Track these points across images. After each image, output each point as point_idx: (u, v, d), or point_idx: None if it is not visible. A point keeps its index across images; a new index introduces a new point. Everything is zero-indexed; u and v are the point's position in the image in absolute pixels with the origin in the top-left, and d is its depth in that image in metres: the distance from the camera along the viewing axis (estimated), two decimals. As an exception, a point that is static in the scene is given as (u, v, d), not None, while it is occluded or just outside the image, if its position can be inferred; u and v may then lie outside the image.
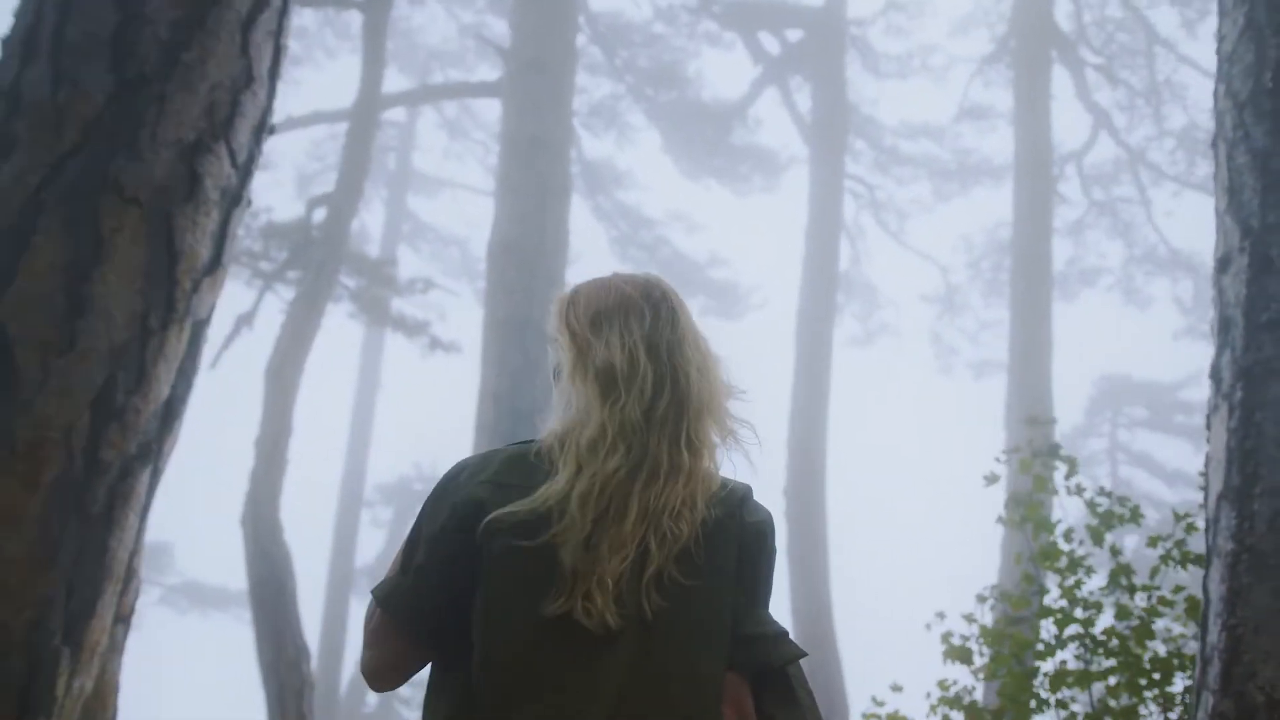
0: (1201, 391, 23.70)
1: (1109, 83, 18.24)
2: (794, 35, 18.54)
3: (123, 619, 3.62)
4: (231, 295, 15.14)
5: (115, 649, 3.58)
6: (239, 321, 11.74)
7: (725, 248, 23.83)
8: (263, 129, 4.04)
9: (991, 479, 4.91)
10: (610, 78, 22.40)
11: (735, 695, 1.54)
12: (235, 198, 3.84)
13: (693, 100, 20.56)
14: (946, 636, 4.51)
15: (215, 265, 3.75)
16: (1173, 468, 22.64)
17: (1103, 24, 17.70)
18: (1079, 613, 4.48)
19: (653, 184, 22.58)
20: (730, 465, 1.68)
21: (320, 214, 11.91)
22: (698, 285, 22.62)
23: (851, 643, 14.22)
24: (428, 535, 1.58)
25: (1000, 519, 4.98)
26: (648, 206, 22.02)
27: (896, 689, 4.17)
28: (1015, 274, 14.86)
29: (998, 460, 5.09)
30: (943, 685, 4.27)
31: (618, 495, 1.53)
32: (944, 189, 21.75)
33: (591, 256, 24.70)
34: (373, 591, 1.62)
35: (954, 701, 4.22)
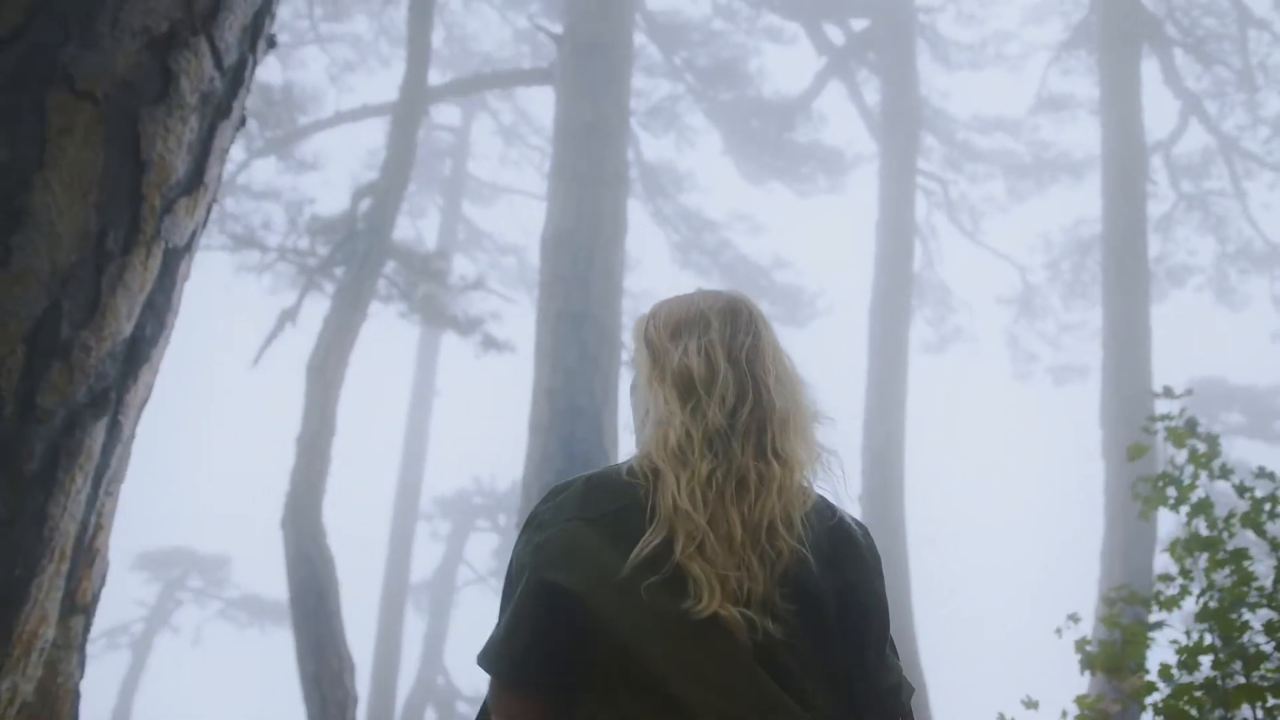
0: (1304, 396, 22.26)
1: (1199, 66, 17.13)
2: (859, 24, 17.75)
3: (81, 609, 2.99)
4: (276, 292, 14.78)
5: (70, 645, 2.95)
6: (282, 317, 11.26)
7: (789, 250, 23.07)
8: (259, 33, 3.40)
9: (1137, 451, 4.11)
10: (669, 78, 21.83)
11: None
12: (221, 108, 3.20)
13: (753, 98, 19.87)
14: (1082, 644, 3.74)
15: (195, 184, 3.11)
16: (1272, 478, 21.17)
17: (1191, 4, 16.62)
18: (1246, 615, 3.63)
19: (714, 186, 21.91)
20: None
21: (367, 207, 11.40)
22: (762, 290, 21.84)
23: (934, 654, 13.27)
24: (520, 590, 1.52)
25: (1139, 494, 4.15)
26: (709, 209, 21.34)
27: (1031, 705, 3.38)
28: (1107, 271, 13.82)
29: (1145, 430, 4.28)
30: (1082, 702, 3.46)
31: (716, 505, 1.50)
32: (1020, 186, 20.73)
33: (653, 262, 24.13)
34: (477, 658, 1.59)
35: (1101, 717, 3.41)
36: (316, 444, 9.86)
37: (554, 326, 11.01)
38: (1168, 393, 5.50)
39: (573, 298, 11.07)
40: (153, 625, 21.58)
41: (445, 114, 22.67)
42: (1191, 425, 4.68)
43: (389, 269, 12.50)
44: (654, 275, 24.79)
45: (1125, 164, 14.51)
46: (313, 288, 11.47)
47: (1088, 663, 3.82)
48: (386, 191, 11.08)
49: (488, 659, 1.53)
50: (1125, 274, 13.69)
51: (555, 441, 10.43)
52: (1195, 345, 22.62)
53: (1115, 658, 3.69)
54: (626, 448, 1.73)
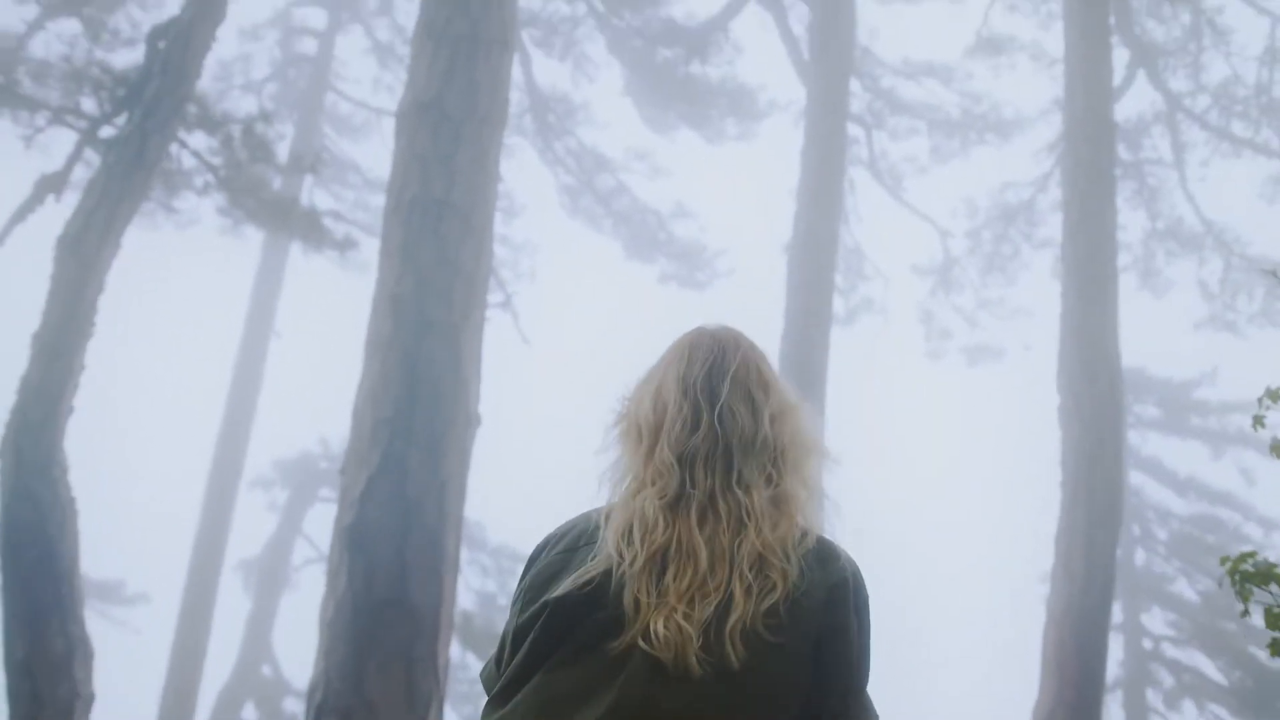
0: (1220, 390, 21.25)
1: (1150, 14, 15.65)
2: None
3: None
4: (36, 149, 11.74)
5: None
6: (42, 186, 8.44)
7: (694, 200, 20.75)
8: None
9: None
10: (566, 2, 19.41)
11: None
12: None
13: (664, 20, 17.60)
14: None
15: None
16: (1185, 475, 20.07)
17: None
18: None
19: (613, 122, 19.51)
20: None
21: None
22: (659, 244, 19.60)
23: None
24: (515, 629, 1.62)
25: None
26: (605, 147, 18.97)
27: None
28: (1067, 241, 11.97)
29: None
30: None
31: (676, 533, 1.53)
32: (945, 145, 19.04)
33: (537, 208, 21.66)
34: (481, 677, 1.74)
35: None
36: (60, 344, 7.11)
37: (405, 217, 8.51)
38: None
39: (432, 182, 8.59)
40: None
41: (308, 16, 19.74)
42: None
43: (202, 146, 9.78)
44: (537, 223, 22.19)
45: (1089, 123, 12.64)
46: (89, 146, 8.65)
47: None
48: (190, 24, 8.35)
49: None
50: (1087, 247, 11.78)
51: (397, 360, 7.93)
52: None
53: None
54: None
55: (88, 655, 6.71)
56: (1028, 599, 19.26)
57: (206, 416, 16.58)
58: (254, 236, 19.39)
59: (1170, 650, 18.32)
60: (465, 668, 17.20)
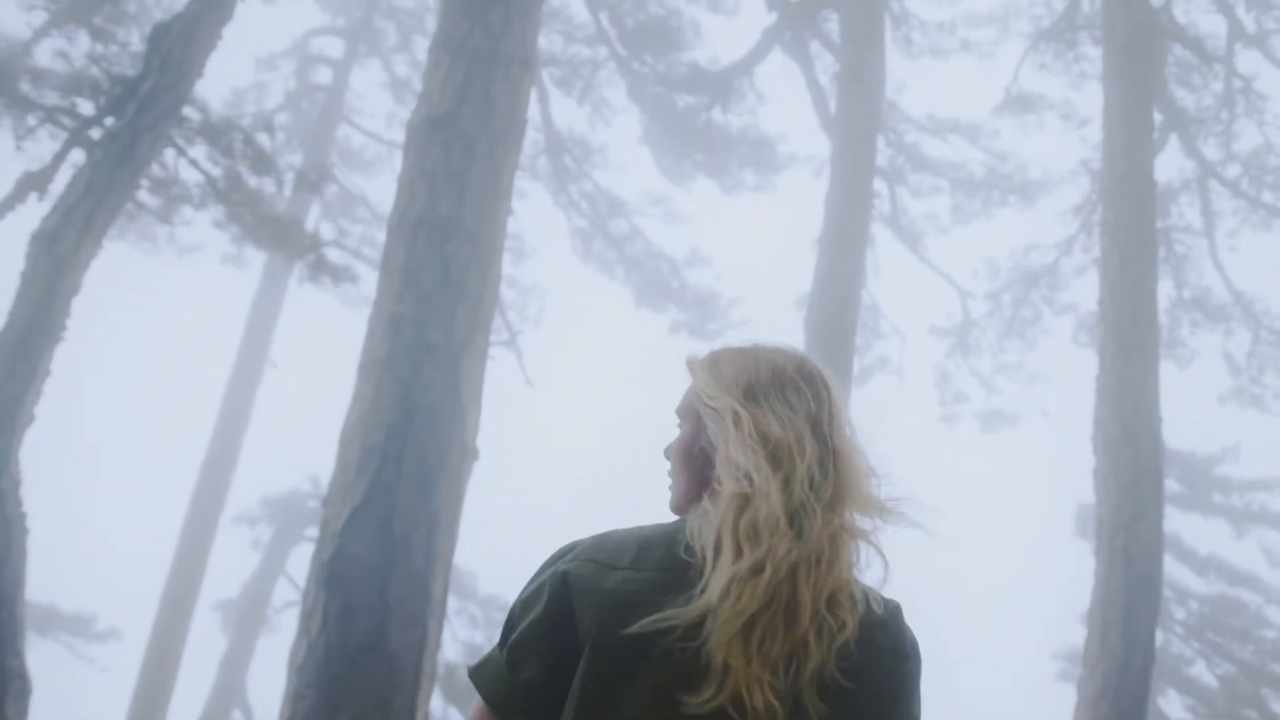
0: (1244, 468, 20.55)
1: (1186, 78, 15.30)
2: (818, -12, 15.40)
3: None
4: (28, 151, 11.27)
5: None
6: (25, 184, 7.94)
7: (709, 246, 20.32)
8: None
9: None
10: (588, 44, 19.17)
11: None
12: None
13: (687, 63, 17.28)
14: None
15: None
16: (1205, 553, 19.31)
17: (1188, 4, 14.75)
18: None
19: (629, 165, 19.15)
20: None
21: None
22: (672, 292, 19.11)
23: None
24: (538, 640, 1.49)
25: None
26: (620, 190, 18.57)
27: None
28: (1106, 299, 11.42)
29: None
30: None
31: (787, 584, 1.42)
32: (967, 205, 18.62)
33: (548, 251, 21.21)
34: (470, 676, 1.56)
35: None
36: (26, 344, 6.55)
37: (410, 235, 7.99)
38: None
39: (441, 200, 8.08)
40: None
41: (325, 45, 19.50)
42: None
43: (199, 154, 9.31)
44: (547, 266, 21.74)
45: (1131, 181, 12.09)
46: (80, 145, 8.18)
47: None
48: (193, 19, 7.92)
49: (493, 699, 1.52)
50: (1126, 318, 11.18)
51: (392, 385, 7.35)
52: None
53: None
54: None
55: (24, 691, 6.02)
56: (1044, 676, 18.42)
57: (191, 445, 15.96)
58: (255, 261, 18.97)
59: (1190, 738, 17.44)
60: (447, 724, 16.35)
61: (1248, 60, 15.66)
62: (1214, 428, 19.46)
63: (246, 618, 16.27)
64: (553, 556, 1.54)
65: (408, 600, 6.72)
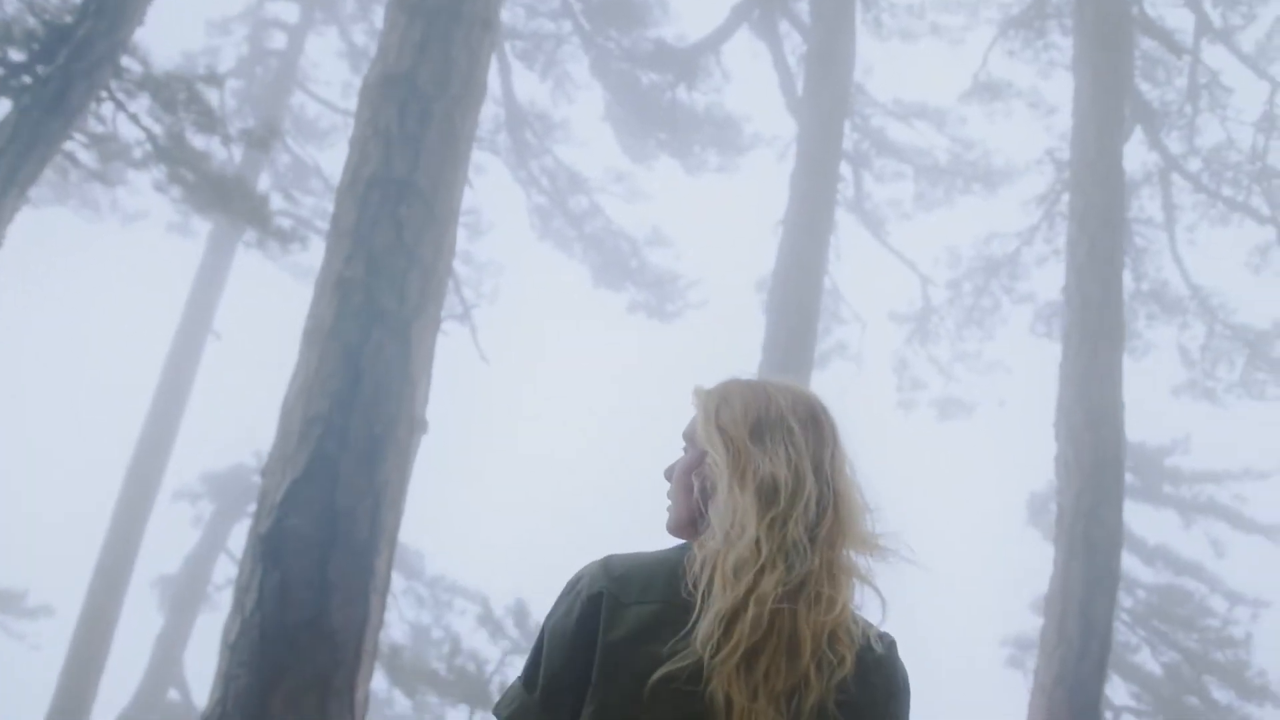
0: (1194, 460, 20.76)
1: (1151, 70, 15.28)
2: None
3: None
4: None
5: None
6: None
7: (671, 226, 20.07)
8: None
9: None
10: (551, 19, 18.79)
11: None
12: None
13: (653, 40, 16.97)
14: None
15: None
16: (1154, 543, 19.50)
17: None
18: None
19: (591, 141, 18.82)
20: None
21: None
22: (630, 272, 18.84)
23: None
24: (565, 675, 1.53)
25: None
26: (581, 165, 18.24)
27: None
28: (1072, 284, 11.29)
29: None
30: None
31: (782, 621, 1.47)
32: (930, 193, 18.55)
33: (507, 228, 20.85)
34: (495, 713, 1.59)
35: None
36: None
37: (361, 196, 7.64)
38: None
39: (395, 161, 7.74)
40: None
41: (280, 10, 18.91)
42: None
43: (140, 109, 8.87)
44: (504, 244, 21.36)
45: (1101, 166, 11.97)
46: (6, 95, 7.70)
47: None
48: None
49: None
50: (1098, 289, 11.06)
51: (337, 351, 7.02)
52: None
53: None
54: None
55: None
56: (994, 662, 18.51)
57: (129, 417, 15.41)
58: (201, 232, 18.39)
59: (1134, 726, 17.61)
60: (391, 704, 16.03)
61: (1213, 55, 15.69)
62: (1167, 420, 19.63)
63: (185, 595, 15.79)
64: (572, 585, 1.57)
65: (349, 575, 6.42)
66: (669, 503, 1.68)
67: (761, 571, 1.47)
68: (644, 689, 1.44)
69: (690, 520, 1.62)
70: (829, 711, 1.45)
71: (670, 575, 1.53)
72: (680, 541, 1.62)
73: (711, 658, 1.43)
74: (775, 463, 1.55)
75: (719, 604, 1.45)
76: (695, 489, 1.61)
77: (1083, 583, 8.52)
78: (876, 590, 1.58)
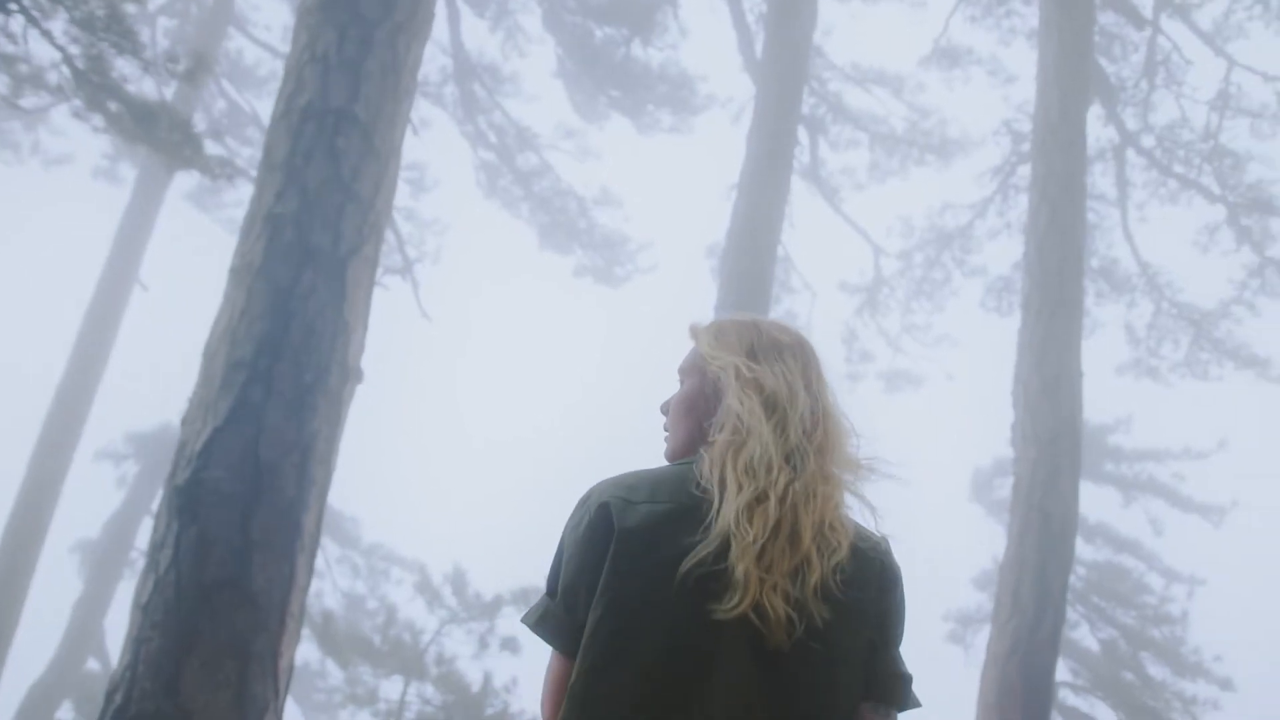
0: (1135, 438, 20.88)
1: (1104, 51, 15.13)
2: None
3: None
4: None
5: None
6: None
7: (622, 187, 19.58)
8: None
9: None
10: (504, -31, 18.11)
11: None
12: None
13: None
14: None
15: None
16: (1094, 520, 19.60)
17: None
18: None
19: (542, 96, 18.22)
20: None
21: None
22: (578, 232, 18.33)
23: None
24: (585, 581, 1.63)
25: None
26: (531, 121, 17.65)
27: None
28: (1032, 251, 11.05)
29: None
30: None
31: (790, 515, 1.60)
32: (885, 162, 18.29)
33: (452, 185, 20.18)
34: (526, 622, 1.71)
35: None
36: None
37: (296, 126, 7.06)
38: None
39: (333, 89, 7.17)
40: None
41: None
42: None
43: (55, 28, 8.17)
44: (448, 201, 20.69)
45: (1064, 131, 11.71)
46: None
47: None
48: None
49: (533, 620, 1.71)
50: (1058, 256, 10.84)
51: (265, 290, 6.48)
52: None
53: None
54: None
55: None
56: (933, 637, 18.47)
57: (45, 373, 14.55)
58: (129, 178, 17.47)
59: (1070, 698, 17.70)
60: (324, 675, 15.49)
61: (1171, 30, 15.59)
62: (1111, 398, 19.68)
63: (106, 560, 15.05)
64: (584, 499, 1.68)
65: (274, 533, 5.92)
66: (666, 434, 1.81)
67: (772, 467, 1.60)
68: (661, 574, 1.55)
69: (690, 445, 1.74)
70: (830, 590, 1.57)
71: (678, 480, 1.65)
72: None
73: (736, 541, 1.54)
74: (774, 377, 1.70)
75: (742, 495, 1.57)
76: (698, 412, 1.75)
77: (1037, 552, 8.34)
78: (864, 499, 1.71)
